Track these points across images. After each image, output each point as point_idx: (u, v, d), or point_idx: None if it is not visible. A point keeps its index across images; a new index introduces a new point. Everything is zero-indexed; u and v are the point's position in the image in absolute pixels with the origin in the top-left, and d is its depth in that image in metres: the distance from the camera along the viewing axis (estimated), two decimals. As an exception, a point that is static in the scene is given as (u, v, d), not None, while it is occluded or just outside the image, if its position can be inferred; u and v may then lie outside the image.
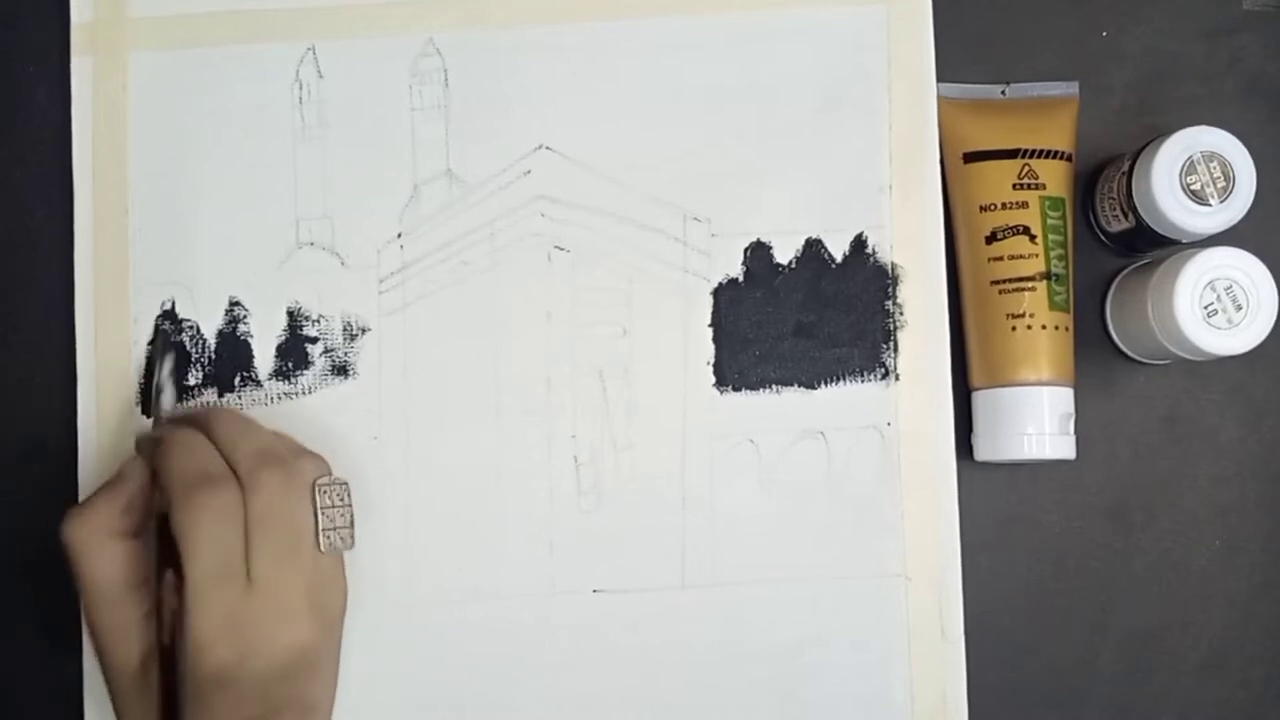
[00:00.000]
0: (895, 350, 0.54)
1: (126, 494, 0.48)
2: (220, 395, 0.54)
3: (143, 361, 0.54)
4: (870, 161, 0.55)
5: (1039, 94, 0.55)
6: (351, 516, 0.49)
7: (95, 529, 0.47)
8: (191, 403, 0.54)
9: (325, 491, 0.48)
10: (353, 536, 0.49)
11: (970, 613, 0.53)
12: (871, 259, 0.55)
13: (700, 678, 0.54)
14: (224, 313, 0.54)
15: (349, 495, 0.49)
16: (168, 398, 0.53)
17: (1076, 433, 0.53)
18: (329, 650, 0.49)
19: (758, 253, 0.55)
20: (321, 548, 0.48)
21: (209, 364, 0.54)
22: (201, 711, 0.45)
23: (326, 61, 0.55)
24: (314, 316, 0.54)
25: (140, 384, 0.54)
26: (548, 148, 0.55)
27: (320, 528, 0.48)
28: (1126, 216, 0.53)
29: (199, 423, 0.49)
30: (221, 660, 0.45)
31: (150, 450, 0.49)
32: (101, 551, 0.47)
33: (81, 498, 0.54)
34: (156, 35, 0.55)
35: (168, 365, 0.53)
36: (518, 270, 0.55)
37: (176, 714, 0.46)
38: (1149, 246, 0.54)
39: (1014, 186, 0.53)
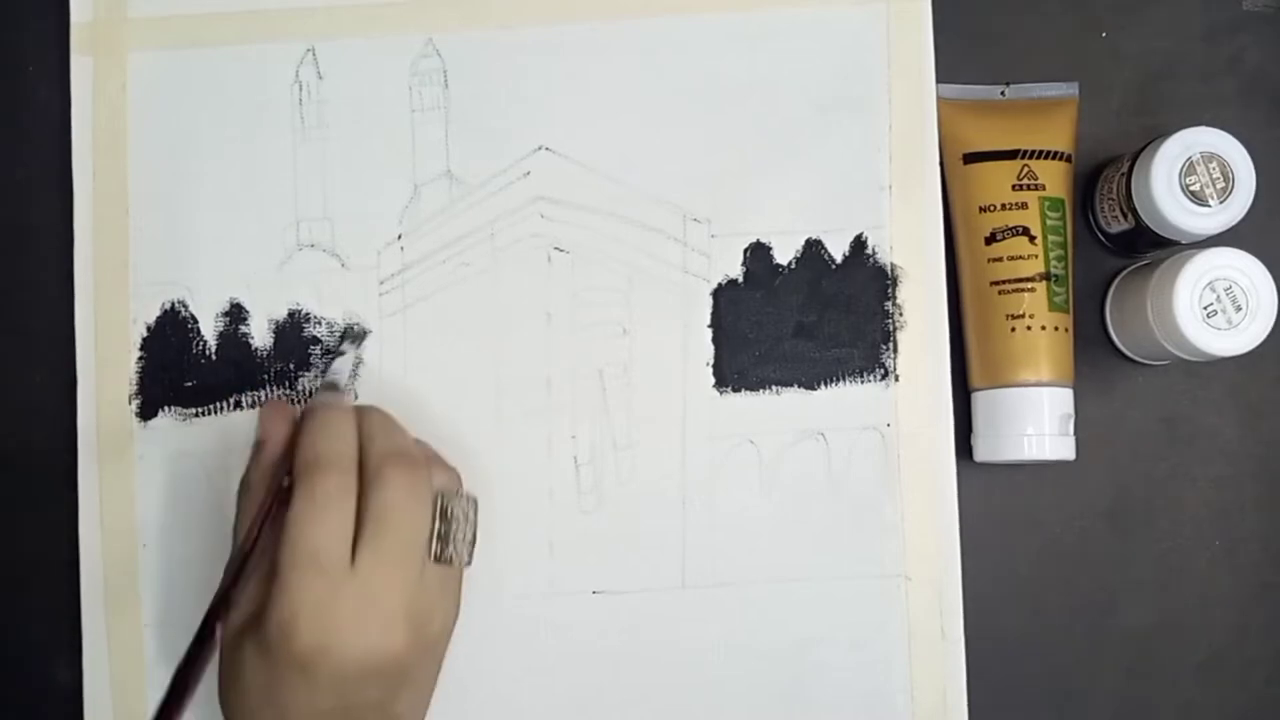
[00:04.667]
0: (895, 351, 0.54)
1: (267, 460, 0.48)
2: (220, 397, 0.54)
3: (139, 363, 0.54)
4: (870, 162, 0.55)
5: (1039, 94, 0.55)
6: (474, 535, 0.48)
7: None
8: (193, 409, 0.54)
9: (450, 503, 0.47)
10: (471, 554, 0.48)
11: (970, 613, 0.53)
12: (871, 259, 0.55)
13: (701, 678, 0.54)
14: (224, 314, 0.54)
15: (475, 512, 0.48)
16: (342, 377, 0.53)
17: (1076, 433, 0.53)
18: (423, 669, 0.47)
19: (757, 253, 0.55)
20: (432, 557, 0.47)
21: (209, 366, 0.54)
22: (276, 692, 0.44)
23: (326, 62, 0.55)
24: (314, 318, 0.54)
25: (138, 383, 0.54)
26: (547, 148, 0.55)
27: (435, 534, 0.47)
28: (1126, 217, 0.53)
29: (350, 411, 0.49)
30: (306, 646, 0.43)
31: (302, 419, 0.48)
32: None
33: (81, 495, 0.54)
34: (156, 35, 0.55)
35: (351, 356, 0.54)
36: (517, 271, 0.54)
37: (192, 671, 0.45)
38: (1148, 247, 0.54)
39: (1013, 187, 0.53)
